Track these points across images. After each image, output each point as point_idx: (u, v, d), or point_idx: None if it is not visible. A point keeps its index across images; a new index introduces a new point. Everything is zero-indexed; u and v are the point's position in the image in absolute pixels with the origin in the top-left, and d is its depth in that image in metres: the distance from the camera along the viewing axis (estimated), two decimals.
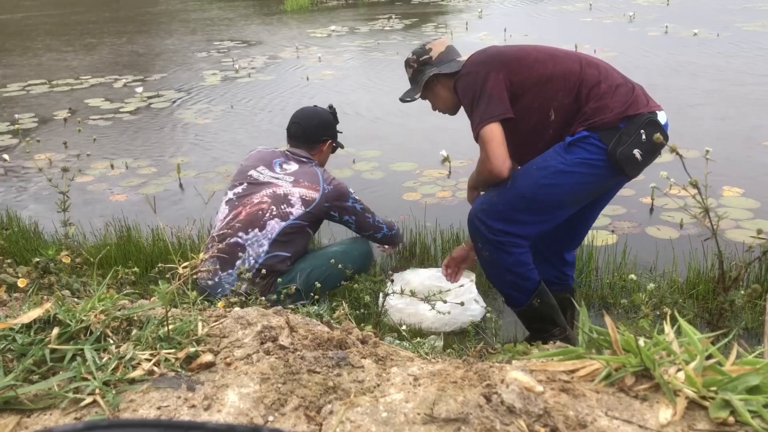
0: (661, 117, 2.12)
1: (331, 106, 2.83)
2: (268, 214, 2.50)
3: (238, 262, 2.47)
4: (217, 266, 2.45)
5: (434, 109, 2.48)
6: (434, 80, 2.34)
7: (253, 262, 2.46)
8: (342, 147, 2.89)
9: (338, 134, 2.84)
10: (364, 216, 2.66)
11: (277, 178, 2.58)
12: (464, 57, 2.33)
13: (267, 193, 2.54)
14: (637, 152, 2.00)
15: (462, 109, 2.32)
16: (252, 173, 2.62)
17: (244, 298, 1.84)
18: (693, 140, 4.45)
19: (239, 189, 2.61)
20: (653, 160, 2.12)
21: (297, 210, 2.51)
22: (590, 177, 2.10)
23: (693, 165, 2.03)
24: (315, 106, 2.84)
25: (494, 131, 2.10)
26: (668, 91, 6.01)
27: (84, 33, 11.61)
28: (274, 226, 2.49)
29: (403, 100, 2.43)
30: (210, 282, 2.48)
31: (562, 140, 2.14)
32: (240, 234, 2.49)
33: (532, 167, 2.15)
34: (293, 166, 2.62)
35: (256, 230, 2.49)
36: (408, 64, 2.41)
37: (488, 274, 2.40)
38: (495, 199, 2.19)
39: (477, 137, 2.15)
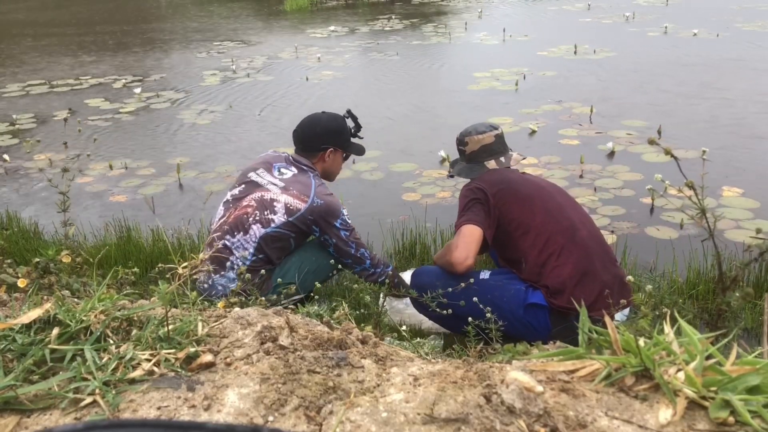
0: (619, 318, 2.13)
1: (348, 111, 2.73)
2: (251, 218, 2.45)
3: (228, 265, 2.46)
4: (212, 268, 2.43)
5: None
6: None
7: (240, 264, 2.41)
8: (360, 153, 2.80)
9: (354, 139, 2.74)
10: (346, 243, 2.50)
11: (272, 183, 2.52)
12: (491, 163, 2.48)
13: (255, 196, 2.49)
14: None
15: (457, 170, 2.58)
16: (251, 175, 2.58)
17: (244, 298, 1.84)
18: (693, 141, 4.46)
19: (236, 191, 2.58)
20: None
21: (279, 218, 2.44)
22: (523, 335, 2.12)
23: (693, 165, 2.03)
24: (323, 111, 2.73)
25: (475, 233, 2.26)
26: (667, 90, 6.02)
27: (83, 33, 11.60)
28: (256, 231, 2.45)
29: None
30: (205, 285, 2.47)
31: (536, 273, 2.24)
32: (227, 237, 2.47)
33: (486, 295, 2.23)
34: (290, 172, 2.55)
35: (241, 234, 2.46)
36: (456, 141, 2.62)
37: None
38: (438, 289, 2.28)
39: (457, 228, 2.31)
